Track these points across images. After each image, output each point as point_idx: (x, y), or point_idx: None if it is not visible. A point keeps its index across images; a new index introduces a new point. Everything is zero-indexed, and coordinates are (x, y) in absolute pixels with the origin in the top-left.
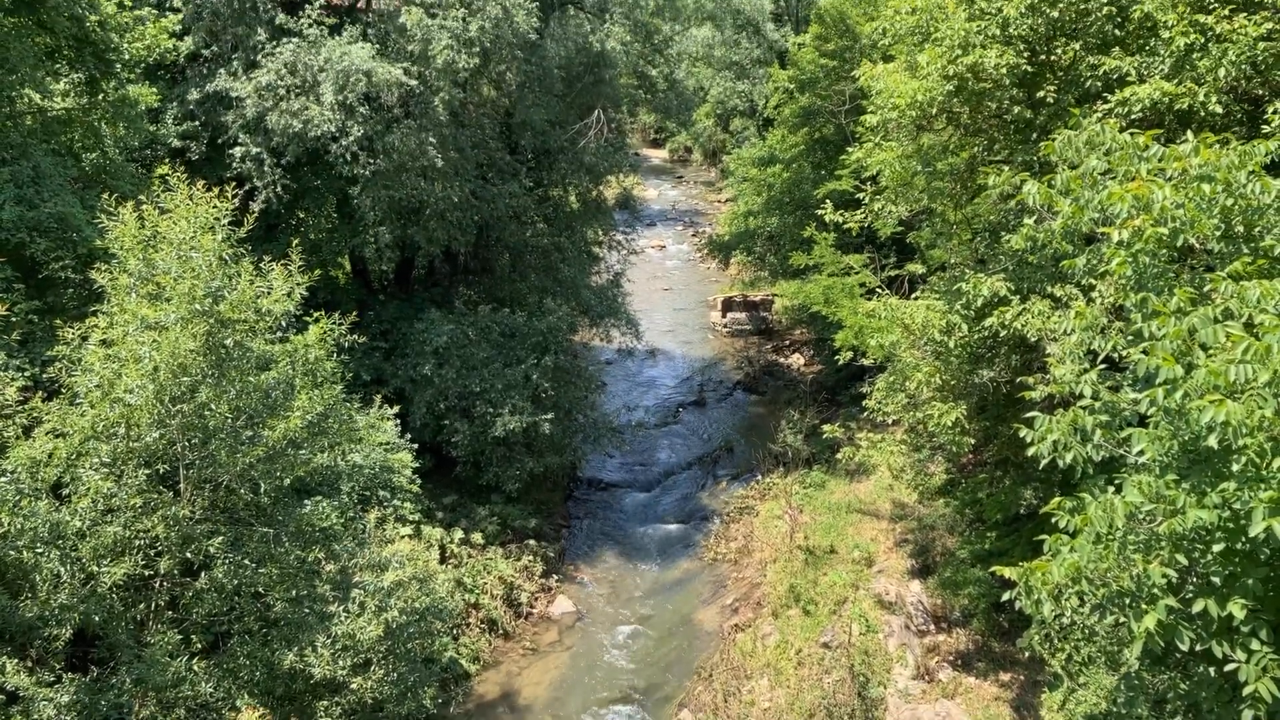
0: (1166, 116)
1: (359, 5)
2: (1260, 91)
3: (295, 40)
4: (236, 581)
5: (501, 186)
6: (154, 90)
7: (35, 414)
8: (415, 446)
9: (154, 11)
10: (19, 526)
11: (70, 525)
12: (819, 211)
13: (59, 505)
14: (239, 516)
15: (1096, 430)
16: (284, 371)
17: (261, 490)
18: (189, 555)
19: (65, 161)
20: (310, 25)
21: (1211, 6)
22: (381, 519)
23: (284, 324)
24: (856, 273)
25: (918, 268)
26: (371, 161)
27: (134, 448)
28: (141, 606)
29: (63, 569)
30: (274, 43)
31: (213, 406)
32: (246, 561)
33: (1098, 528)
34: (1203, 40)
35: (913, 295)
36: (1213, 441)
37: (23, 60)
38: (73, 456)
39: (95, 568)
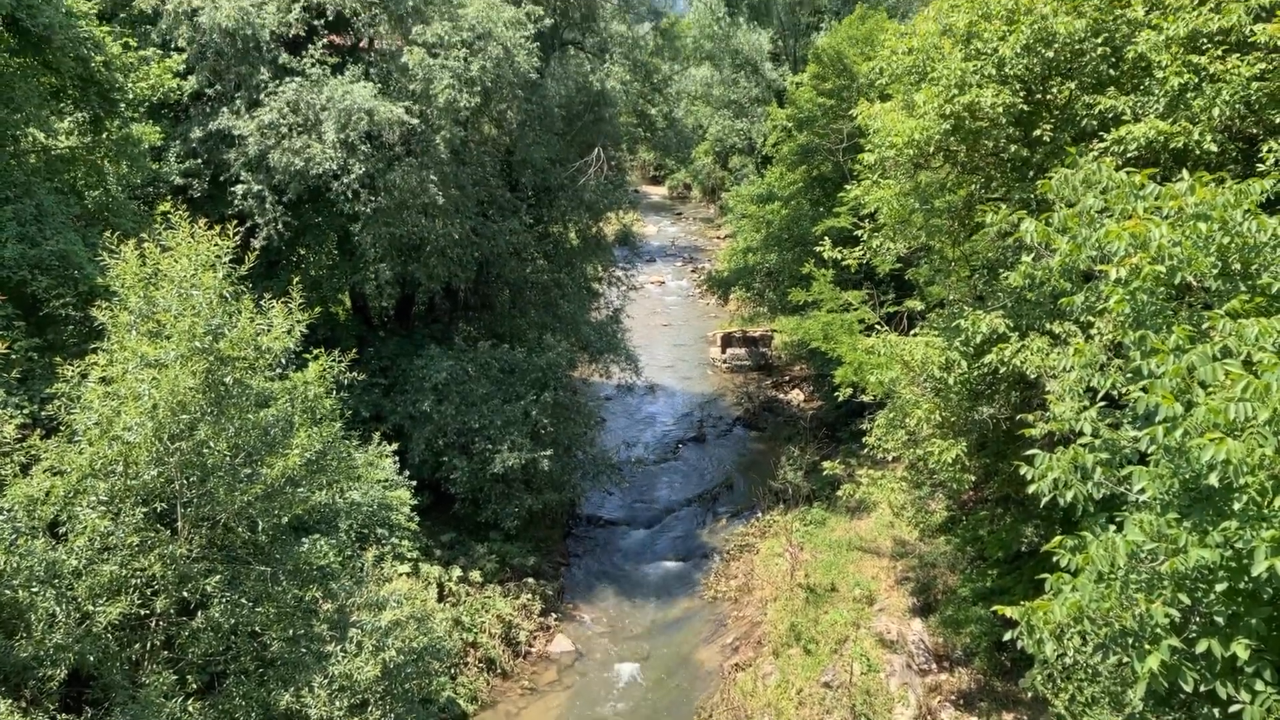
0: (1162, 155)
1: (361, 45)
2: (1255, 130)
3: (298, 79)
4: (233, 621)
5: (502, 223)
6: (157, 129)
7: (33, 452)
8: (414, 483)
9: (158, 52)
10: (15, 565)
11: (66, 564)
12: (817, 248)
13: (55, 544)
14: (236, 555)
15: (1097, 468)
16: (283, 409)
17: (259, 528)
18: (185, 594)
19: (68, 199)
20: (313, 65)
21: (1205, 47)
22: (379, 557)
23: (283, 361)
24: (855, 309)
25: (916, 304)
26: (373, 199)
27: (132, 485)
28: (137, 646)
29: (58, 608)
30: (277, 82)
31: (211, 444)
32: (243, 600)
33: (1099, 567)
34: (1196, 80)
35: (912, 332)
36: (1213, 480)
37: (28, 100)
38: (70, 494)
39: (91, 607)
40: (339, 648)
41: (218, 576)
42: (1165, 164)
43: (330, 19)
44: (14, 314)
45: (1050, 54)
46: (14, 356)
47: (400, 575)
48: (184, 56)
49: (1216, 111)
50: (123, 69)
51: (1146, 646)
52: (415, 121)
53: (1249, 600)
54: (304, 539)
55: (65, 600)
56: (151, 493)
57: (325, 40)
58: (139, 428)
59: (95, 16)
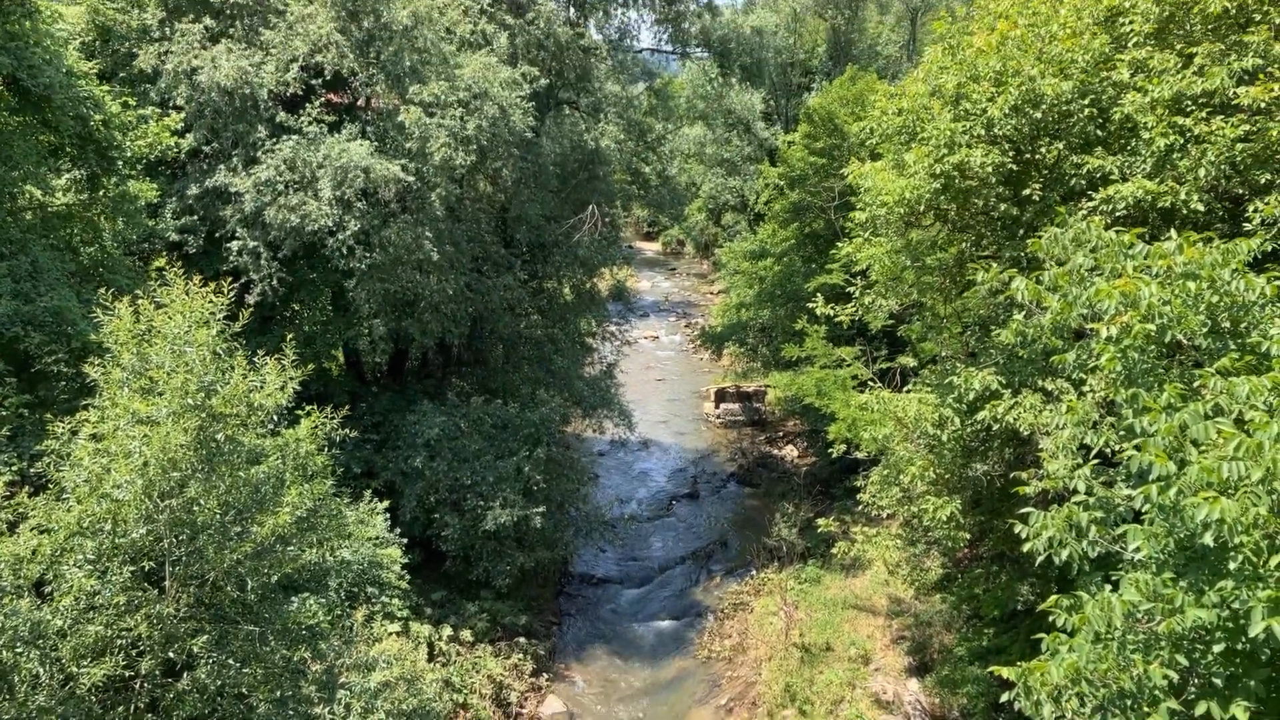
0: (1150, 214)
1: (359, 103)
2: (1240, 190)
3: (295, 137)
4: (220, 682)
5: (496, 279)
6: (154, 186)
7: (21, 509)
8: (405, 541)
9: (157, 110)
10: None
11: (51, 624)
12: (810, 304)
13: (40, 603)
14: (224, 614)
15: (1091, 526)
16: (274, 466)
17: (248, 587)
18: (172, 655)
19: (63, 256)
20: (310, 123)
21: (1189, 109)
22: (369, 616)
23: (275, 417)
24: (848, 365)
25: (909, 360)
26: (368, 255)
27: (120, 544)
28: (121, 709)
29: (42, 669)
30: (274, 140)
31: (202, 502)
32: (230, 661)
33: (1096, 627)
34: (1182, 141)
35: (905, 388)
36: (1208, 539)
37: (26, 157)
38: (57, 553)
39: (75, 668)
40: (327, 710)
41: (205, 637)
42: (1153, 223)
43: (328, 78)
44: (5, 370)
45: (1038, 115)
46: (4, 413)
47: (390, 635)
48: (182, 115)
49: (1202, 172)
50: (121, 127)
51: (1145, 709)
52: (411, 179)
53: (1247, 661)
54: (293, 598)
55: (49, 661)
56: (140, 551)
57: (323, 99)
58: (129, 485)
59: (95, 76)
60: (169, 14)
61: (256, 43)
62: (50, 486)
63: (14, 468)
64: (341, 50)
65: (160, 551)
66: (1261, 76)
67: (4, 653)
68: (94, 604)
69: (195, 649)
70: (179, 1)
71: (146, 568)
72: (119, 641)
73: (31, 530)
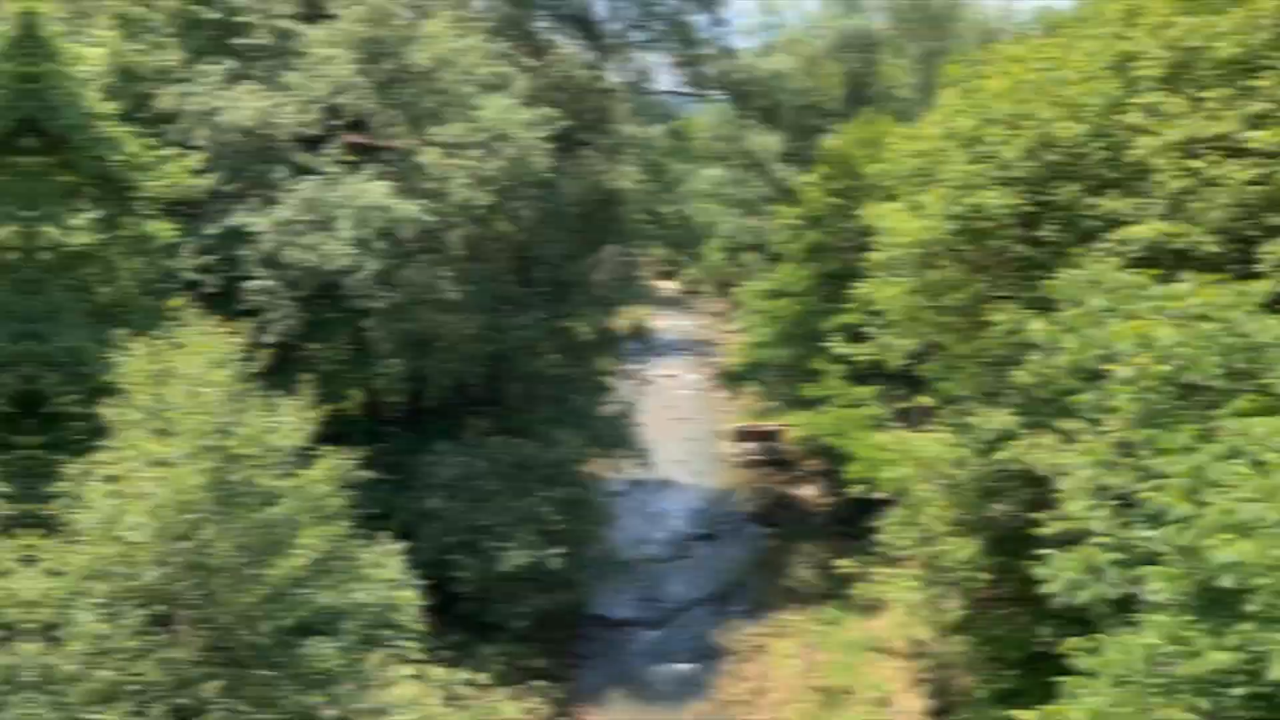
0: (1164, 255)
1: (379, 144)
2: (1252, 232)
3: (314, 177)
4: None
5: (515, 318)
6: (173, 225)
7: (32, 552)
8: (421, 583)
9: (177, 150)
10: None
11: (61, 669)
12: (829, 344)
13: (50, 647)
14: (237, 658)
15: (1110, 568)
16: (290, 508)
17: (262, 631)
18: (183, 700)
19: (80, 296)
20: (330, 163)
21: (1200, 152)
22: (384, 660)
23: (292, 458)
24: (867, 404)
25: (927, 400)
26: (386, 294)
27: (132, 587)
28: None
29: (51, 716)
30: (293, 179)
31: (216, 544)
32: (243, 707)
33: (1117, 670)
34: (1194, 183)
35: (923, 428)
36: (1227, 581)
37: (45, 198)
38: (68, 596)
39: (85, 714)
40: None
41: (217, 682)
42: (1167, 264)
43: (348, 119)
44: (19, 411)
45: (1052, 157)
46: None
47: (405, 679)
48: (202, 155)
49: (1215, 214)
50: (140, 168)
51: None
52: (430, 219)
53: (1268, 705)
54: (307, 641)
55: (58, 707)
56: (152, 594)
57: (343, 139)
58: (142, 527)
59: (116, 116)
60: (191, 55)
61: (277, 84)
62: (63, 529)
63: (27, 509)
64: (362, 92)
65: (173, 594)
66: (1271, 121)
67: (12, 698)
68: (104, 648)
69: (207, 694)
70: (201, 43)
71: (159, 611)
72: (129, 687)
73: (43, 573)
